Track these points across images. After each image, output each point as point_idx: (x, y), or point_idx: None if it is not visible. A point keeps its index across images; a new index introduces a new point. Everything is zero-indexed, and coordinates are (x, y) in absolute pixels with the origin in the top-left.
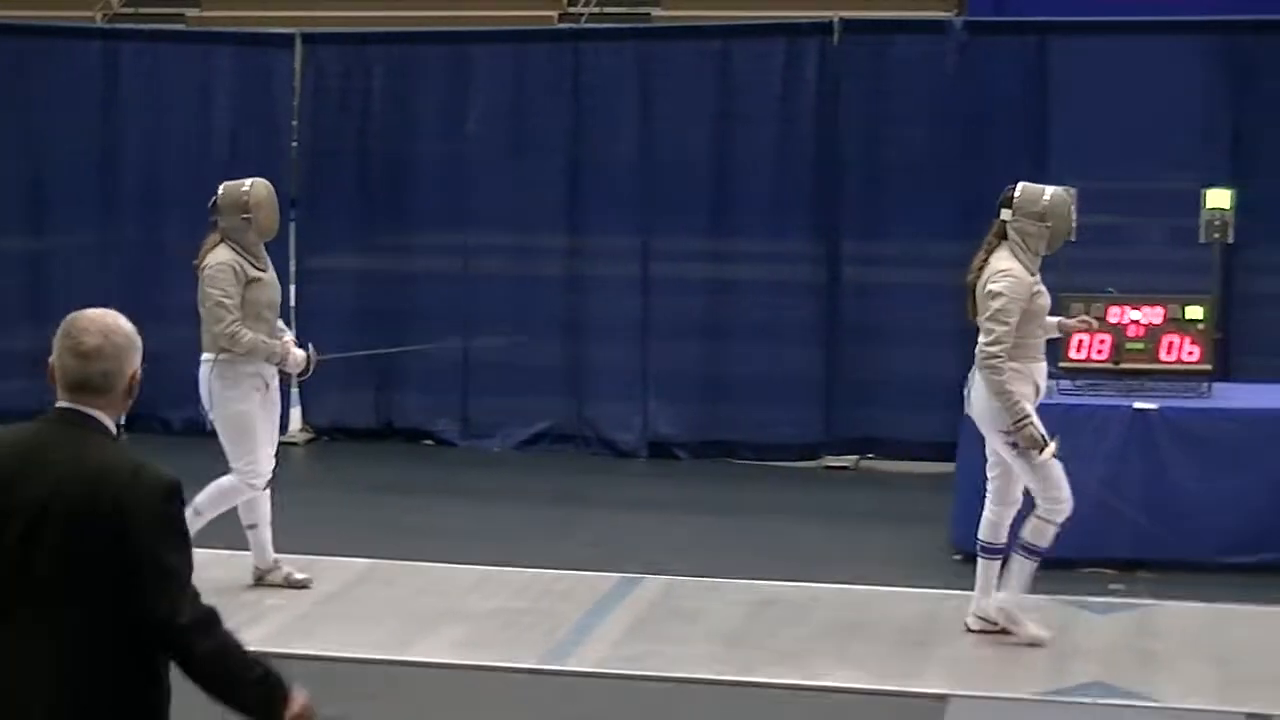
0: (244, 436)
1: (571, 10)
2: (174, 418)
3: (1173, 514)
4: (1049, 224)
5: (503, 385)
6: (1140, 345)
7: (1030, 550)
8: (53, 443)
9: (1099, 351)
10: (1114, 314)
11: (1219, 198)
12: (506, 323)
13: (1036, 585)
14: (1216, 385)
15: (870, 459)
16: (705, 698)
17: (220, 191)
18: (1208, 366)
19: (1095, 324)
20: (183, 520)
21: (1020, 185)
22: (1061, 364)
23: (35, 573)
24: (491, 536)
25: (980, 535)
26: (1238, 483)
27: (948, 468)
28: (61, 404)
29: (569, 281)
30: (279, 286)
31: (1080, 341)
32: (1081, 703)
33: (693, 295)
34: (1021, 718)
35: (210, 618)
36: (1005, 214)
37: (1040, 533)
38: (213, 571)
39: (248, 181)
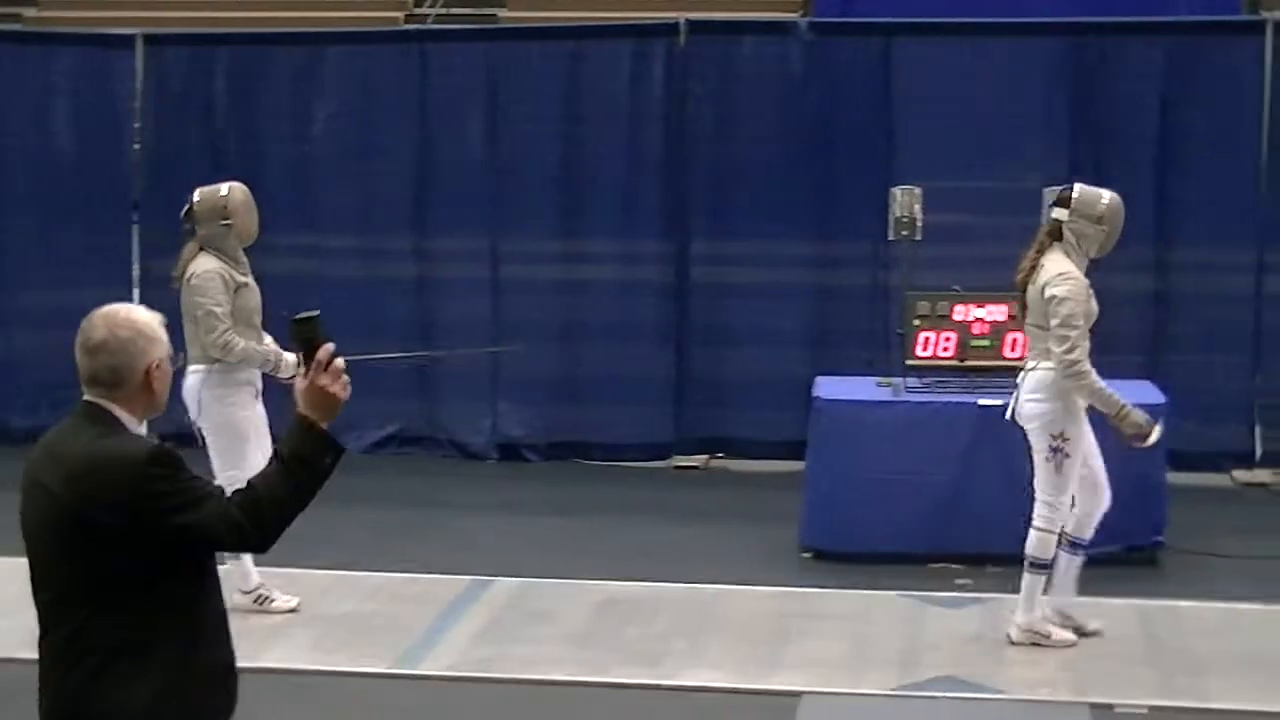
0: (236, 444)
1: (418, 11)
2: (20, 426)
3: (1020, 509)
4: (1105, 227)
5: (351, 387)
6: (985, 342)
7: (1036, 564)
8: (68, 436)
9: (944, 349)
10: (959, 312)
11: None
12: (356, 324)
13: (887, 581)
14: None
15: (720, 458)
16: (559, 699)
17: (196, 198)
18: None
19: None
20: (172, 474)
21: (1078, 187)
22: (909, 362)
23: (55, 565)
24: (342, 540)
25: (1069, 529)
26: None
27: (797, 466)
28: (85, 397)
29: (418, 284)
30: (259, 292)
31: (926, 339)
32: (931, 697)
33: (542, 296)
34: (873, 713)
35: (242, 509)
36: (1060, 213)
37: (1044, 545)
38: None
39: (224, 186)
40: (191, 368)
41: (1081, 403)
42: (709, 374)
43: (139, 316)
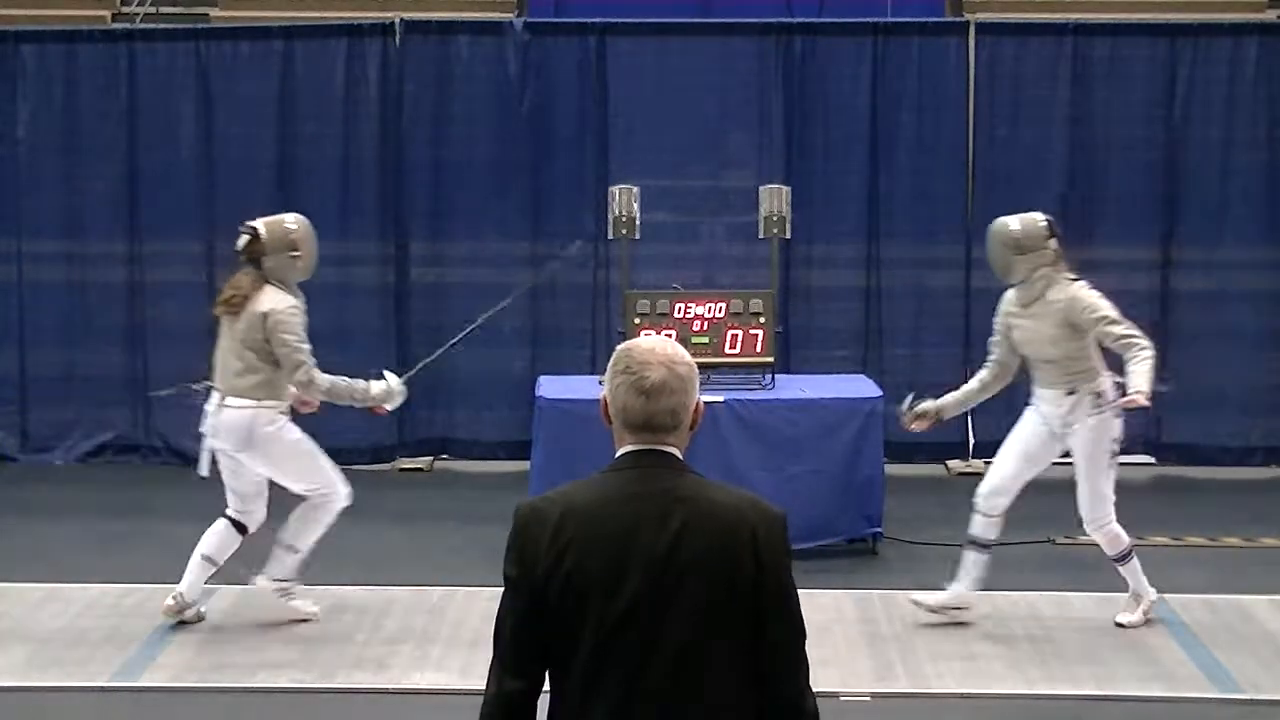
0: (313, 459)
1: (125, 10)
2: None
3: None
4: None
5: (63, 396)
6: (705, 339)
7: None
8: (650, 489)
9: None
10: (679, 309)
11: (776, 195)
12: (63, 331)
13: None
14: (779, 377)
15: (445, 460)
16: (285, 705)
17: (262, 230)
18: (770, 359)
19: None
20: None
21: None
22: None
23: (667, 635)
24: (57, 552)
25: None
26: (801, 471)
27: (522, 466)
28: (633, 448)
29: (130, 288)
30: None
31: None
32: None
33: None
34: None
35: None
36: None
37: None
38: None
39: (289, 217)
40: (230, 400)
41: None
42: (431, 375)
43: (683, 351)
